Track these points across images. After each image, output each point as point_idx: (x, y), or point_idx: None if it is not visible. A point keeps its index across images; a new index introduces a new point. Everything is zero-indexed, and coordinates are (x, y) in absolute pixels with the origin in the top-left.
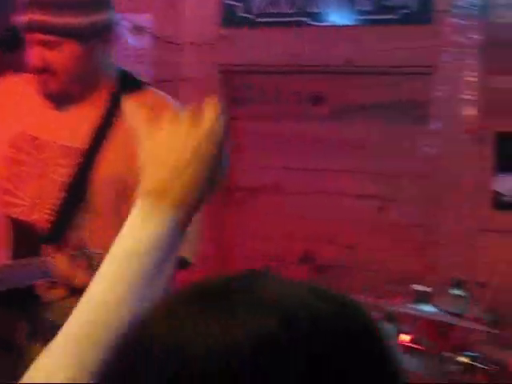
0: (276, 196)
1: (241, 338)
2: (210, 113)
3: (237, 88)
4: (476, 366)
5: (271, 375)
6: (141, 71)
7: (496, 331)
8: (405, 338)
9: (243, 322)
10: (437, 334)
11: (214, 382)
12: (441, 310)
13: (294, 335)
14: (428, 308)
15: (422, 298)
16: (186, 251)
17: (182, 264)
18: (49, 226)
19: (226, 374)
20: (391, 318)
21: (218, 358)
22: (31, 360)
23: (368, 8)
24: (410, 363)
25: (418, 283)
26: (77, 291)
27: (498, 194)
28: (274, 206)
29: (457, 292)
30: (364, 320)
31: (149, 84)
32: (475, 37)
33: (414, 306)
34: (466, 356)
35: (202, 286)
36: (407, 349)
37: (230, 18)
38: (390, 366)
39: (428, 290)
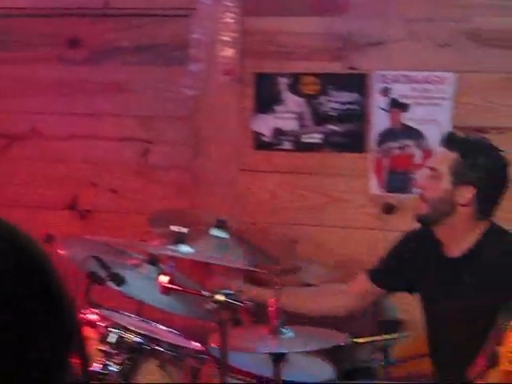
0: (37, 141)
1: None
2: None
3: None
4: (232, 303)
5: None
6: None
7: (257, 270)
8: (164, 278)
9: None
10: (196, 273)
11: None
12: (201, 251)
13: None
14: (186, 249)
15: (181, 239)
16: None
17: None
18: None
19: None
20: (152, 259)
21: None
22: None
23: None
24: (169, 303)
25: (180, 224)
26: None
27: (258, 134)
28: (35, 151)
29: (219, 232)
30: (32, 255)
31: None
32: None
33: (172, 247)
34: (223, 294)
35: None
36: (166, 289)
37: None
38: (63, 303)
39: (185, 230)
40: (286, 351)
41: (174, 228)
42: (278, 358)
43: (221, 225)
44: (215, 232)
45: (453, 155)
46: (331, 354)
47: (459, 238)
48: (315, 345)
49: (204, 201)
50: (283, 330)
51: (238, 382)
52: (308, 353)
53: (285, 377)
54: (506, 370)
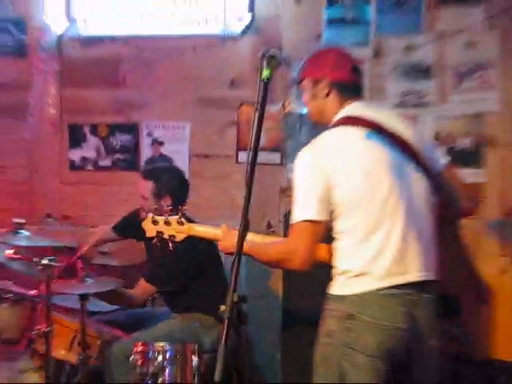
0: None
1: None
2: None
3: None
4: (51, 265)
5: None
6: None
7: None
8: (9, 251)
9: None
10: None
11: None
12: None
13: None
14: (25, 233)
15: (20, 227)
16: None
17: None
18: None
19: None
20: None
21: None
22: None
23: None
24: (16, 266)
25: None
26: None
27: (71, 160)
28: None
29: (49, 223)
30: None
31: None
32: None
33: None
34: (47, 259)
35: None
36: (11, 258)
37: None
38: None
39: (23, 221)
40: (87, 292)
41: (15, 220)
42: (83, 297)
43: (49, 217)
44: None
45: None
46: None
47: None
48: (104, 287)
49: (38, 203)
50: (87, 279)
51: (61, 315)
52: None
53: (90, 308)
54: None
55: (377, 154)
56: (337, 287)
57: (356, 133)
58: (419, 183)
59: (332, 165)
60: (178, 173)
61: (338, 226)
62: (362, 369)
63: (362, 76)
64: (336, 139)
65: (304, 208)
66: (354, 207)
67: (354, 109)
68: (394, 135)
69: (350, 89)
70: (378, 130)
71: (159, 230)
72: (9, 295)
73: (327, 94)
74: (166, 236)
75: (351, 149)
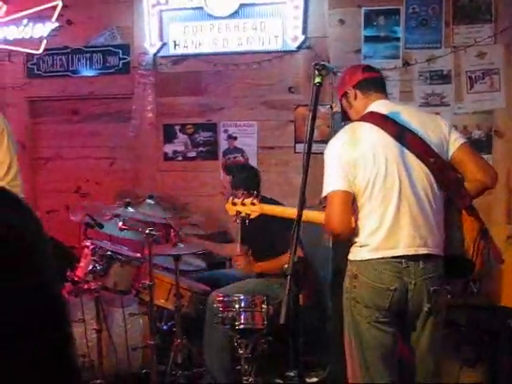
0: None
1: None
2: None
3: None
4: (152, 235)
5: None
6: None
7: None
8: (120, 223)
9: None
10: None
11: None
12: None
13: None
14: (131, 209)
15: (127, 204)
16: None
17: None
18: None
19: None
20: (116, 215)
21: None
22: None
23: None
24: (125, 234)
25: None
26: None
27: (165, 153)
28: None
29: (150, 201)
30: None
31: None
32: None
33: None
34: (147, 229)
35: None
36: (121, 229)
37: None
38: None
39: (129, 200)
40: (179, 253)
41: (123, 199)
42: (176, 257)
43: (151, 197)
44: (148, 200)
45: (229, 177)
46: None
47: None
48: (191, 250)
49: (140, 186)
50: (179, 244)
51: (160, 272)
52: (193, 254)
53: (181, 268)
54: None
55: (383, 145)
56: (351, 253)
57: (370, 127)
58: (420, 170)
59: (348, 153)
60: (250, 170)
61: (356, 204)
62: (363, 316)
63: (377, 71)
64: (354, 132)
65: (331, 182)
66: (362, 189)
67: (376, 106)
68: (404, 130)
69: (368, 84)
70: (389, 126)
71: (237, 209)
72: (120, 257)
73: (355, 98)
74: (243, 214)
75: (363, 140)
